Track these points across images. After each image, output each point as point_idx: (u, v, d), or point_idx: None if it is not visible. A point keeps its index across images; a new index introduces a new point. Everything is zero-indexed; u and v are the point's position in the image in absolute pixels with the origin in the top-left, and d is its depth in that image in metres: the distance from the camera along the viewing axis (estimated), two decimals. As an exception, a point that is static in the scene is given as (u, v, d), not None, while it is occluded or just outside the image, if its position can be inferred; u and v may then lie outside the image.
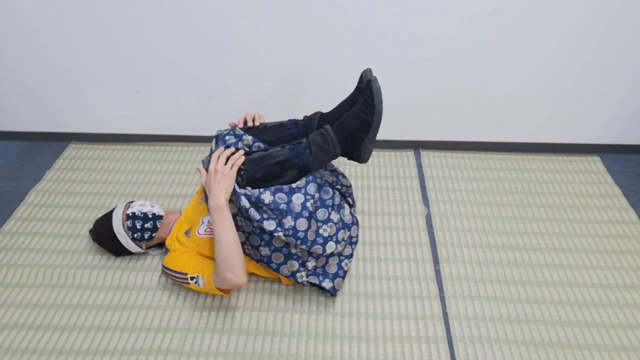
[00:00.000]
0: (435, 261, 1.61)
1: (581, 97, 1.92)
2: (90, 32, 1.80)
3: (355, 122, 1.32)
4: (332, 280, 1.44)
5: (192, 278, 1.38)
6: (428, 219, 1.78)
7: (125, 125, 2.11)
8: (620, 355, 1.35)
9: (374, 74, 1.77)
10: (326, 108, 1.92)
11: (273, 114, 2.02)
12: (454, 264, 1.60)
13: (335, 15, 1.72)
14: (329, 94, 1.94)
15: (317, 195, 1.37)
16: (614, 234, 1.71)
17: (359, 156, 1.37)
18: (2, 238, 1.69)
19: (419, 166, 2.03)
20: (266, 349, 1.35)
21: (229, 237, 1.27)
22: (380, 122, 1.31)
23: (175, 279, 1.43)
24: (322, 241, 1.36)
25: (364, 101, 1.30)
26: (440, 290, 1.52)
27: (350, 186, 1.53)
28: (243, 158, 1.33)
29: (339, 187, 1.49)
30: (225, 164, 1.31)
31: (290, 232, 1.31)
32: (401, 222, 1.76)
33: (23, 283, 1.53)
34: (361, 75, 1.38)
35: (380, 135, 2.04)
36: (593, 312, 1.45)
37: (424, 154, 2.09)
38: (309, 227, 1.33)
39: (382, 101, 1.28)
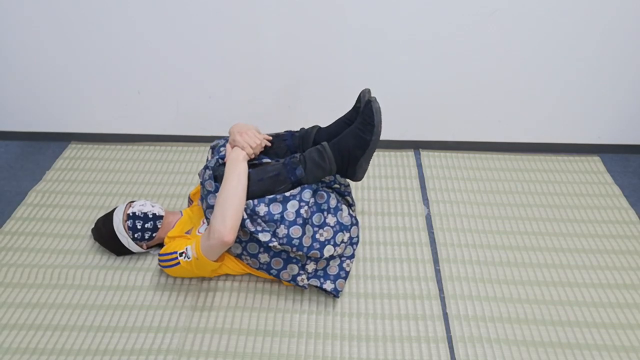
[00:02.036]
0: (435, 261, 1.61)
1: (581, 97, 1.92)
2: (90, 32, 1.80)
3: (353, 140, 1.33)
4: (334, 281, 1.43)
5: (181, 254, 1.37)
6: (428, 219, 1.78)
7: (125, 125, 2.11)
8: (620, 355, 1.35)
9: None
10: (326, 109, 1.93)
11: (273, 114, 2.02)
12: (454, 264, 1.60)
13: (335, 16, 1.72)
14: (328, 95, 1.94)
15: (312, 200, 1.37)
16: (614, 234, 1.71)
17: (354, 174, 1.39)
18: (2, 238, 1.69)
19: (419, 166, 2.03)
20: (266, 349, 1.35)
21: (233, 185, 1.28)
22: (377, 142, 1.33)
23: (166, 263, 1.41)
24: (318, 246, 1.36)
25: (363, 120, 1.31)
26: (440, 290, 1.52)
27: (349, 185, 1.53)
28: (268, 144, 1.46)
29: (337, 186, 1.48)
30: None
31: (285, 240, 1.31)
32: (401, 222, 1.76)
33: (23, 283, 1.53)
34: (359, 96, 1.39)
35: (381, 135, 2.04)
36: (593, 312, 1.45)
37: (424, 154, 2.09)
38: (304, 233, 1.33)
39: (381, 121, 1.30)
